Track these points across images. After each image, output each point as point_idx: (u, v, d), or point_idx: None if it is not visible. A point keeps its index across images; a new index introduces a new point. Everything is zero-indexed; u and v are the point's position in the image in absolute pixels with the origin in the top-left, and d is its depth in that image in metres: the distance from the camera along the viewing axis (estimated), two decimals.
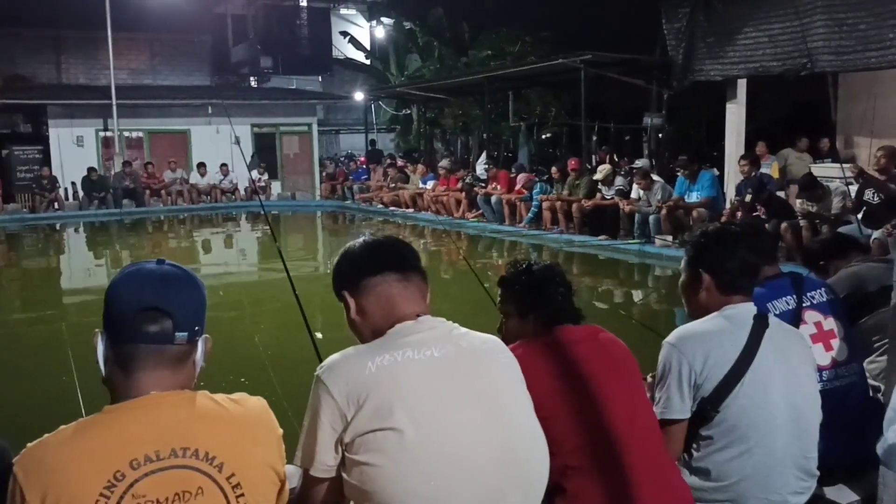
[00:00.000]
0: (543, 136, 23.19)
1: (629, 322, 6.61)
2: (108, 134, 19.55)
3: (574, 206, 12.21)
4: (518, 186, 13.81)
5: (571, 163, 13.13)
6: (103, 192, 18.11)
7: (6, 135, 20.93)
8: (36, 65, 24.05)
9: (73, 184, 18.58)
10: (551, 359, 2.02)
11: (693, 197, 10.63)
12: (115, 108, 18.96)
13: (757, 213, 9.30)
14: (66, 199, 18.46)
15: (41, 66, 24.16)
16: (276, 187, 21.26)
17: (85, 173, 18.17)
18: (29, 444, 1.33)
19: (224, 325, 7.68)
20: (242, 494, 1.39)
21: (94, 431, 1.34)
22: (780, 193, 10.29)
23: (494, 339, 1.81)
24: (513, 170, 15.00)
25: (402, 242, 1.92)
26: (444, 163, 16.96)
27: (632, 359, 2.11)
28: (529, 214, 13.25)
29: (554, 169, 13.60)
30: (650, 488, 1.89)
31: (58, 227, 17.17)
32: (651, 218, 10.81)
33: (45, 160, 18.88)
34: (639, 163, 13.56)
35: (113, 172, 18.79)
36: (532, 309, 2.16)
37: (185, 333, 1.43)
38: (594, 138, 19.42)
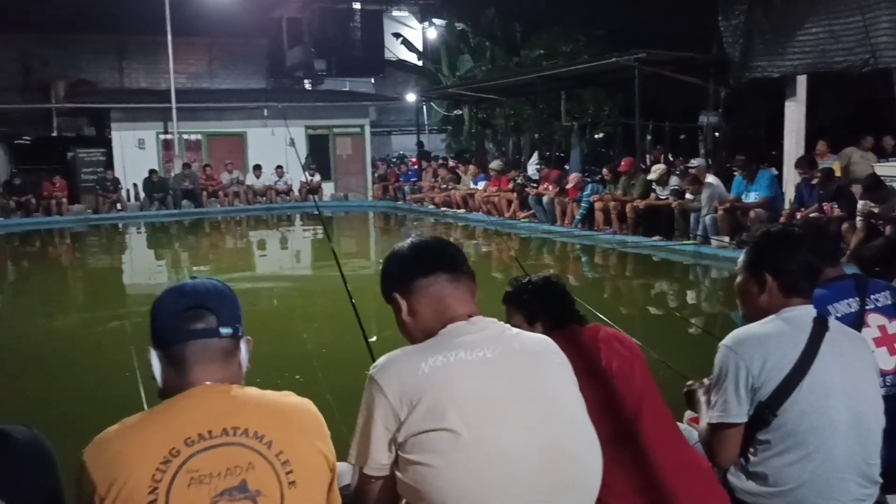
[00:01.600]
0: (596, 136, 22.99)
1: (685, 324, 6.51)
2: (168, 137, 20.06)
3: (628, 206, 12.07)
4: (570, 186, 13.71)
5: (624, 163, 12.98)
6: (163, 194, 18.61)
7: (72, 138, 21.68)
8: (100, 70, 24.86)
9: (135, 185, 19.13)
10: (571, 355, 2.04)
11: (751, 197, 10.40)
12: (174, 111, 19.46)
13: (819, 214, 9.06)
14: (128, 200, 19.01)
15: (105, 71, 24.98)
16: (328, 188, 21.53)
17: (146, 175, 18.70)
18: (96, 437, 1.43)
19: (277, 323, 7.82)
20: (291, 471, 1.44)
21: (152, 419, 1.44)
22: None
23: (547, 340, 1.80)
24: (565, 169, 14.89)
25: (449, 243, 1.93)
26: (496, 164, 16.94)
27: (640, 354, 2.19)
28: (578, 215, 13.12)
29: (605, 170, 13.47)
30: (674, 471, 1.97)
31: (120, 227, 17.70)
32: (707, 218, 10.61)
33: (109, 162, 19.47)
34: (695, 162, 13.31)
35: (172, 174, 19.28)
36: (539, 315, 2.23)
37: (229, 329, 1.54)
38: (649, 137, 19.17)
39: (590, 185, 13.36)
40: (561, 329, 2.16)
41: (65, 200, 17.90)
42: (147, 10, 20.38)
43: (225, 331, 1.53)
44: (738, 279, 2.26)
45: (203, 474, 1.38)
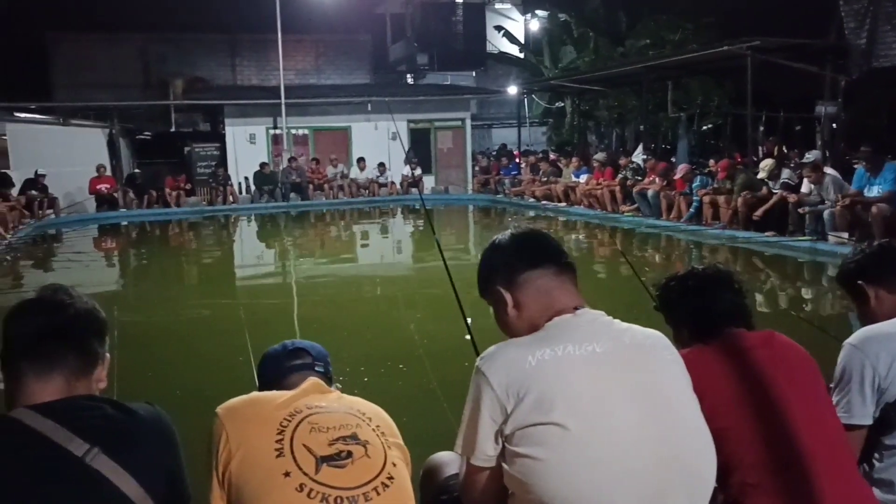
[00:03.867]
0: (704, 127, 22.25)
1: (800, 323, 6.22)
2: (278, 132, 20.76)
3: (739, 200, 11.61)
4: (678, 177, 13.31)
5: (720, 168, 12.48)
6: (272, 186, 19.30)
7: (188, 133, 22.78)
8: (214, 67, 25.98)
9: (246, 178, 19.91)
10: (724, 365, 1.91)
11: (874, 191, 9.79)
12: (283, 107, 20.11)
13: None
14: (240, 192, 19.81)
15: (218, 68, 26.08)
16: (429, 181, 21.75)
17: (257, 168, 19.43)
18: (230, 400, 1.72)
19: (380, 313, 7.99)
20: (387, 438, 1.72)
21: (278, 394, 1.75)
22: None
23: (658, 335, 1.75)
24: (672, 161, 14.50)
25: (549, 235, 1.90)
26: (600, 155, 16.65)
27: (813, 365, 1.96)
28: (691, 210, 12.72)
29: (712, 161, 13.01)
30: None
31: (232, 218, 18.48)
32: (825, 213, 10.09)
33: (222, 157, 20.35)
34: (810, 155, 12.69)
35: (281, 168, 19.95)
36: (693, 315, 2.05)
37: (321, 366, 1.93)
38: (761, 128, 18.37)
39: (698, 178, 12.93)
40: (722, 331, 1.98)
41: (183, 193, 18.86)
42: (258, 10, 21.16)
43: (318, 366, 1.92)
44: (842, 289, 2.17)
45: (321, 426, 1.66)
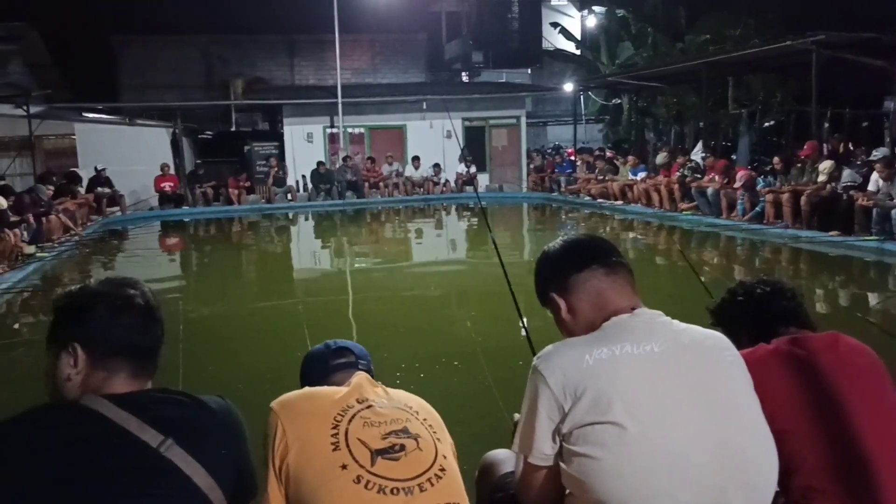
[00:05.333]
0: (766, 125, 21.71)
1: (868, 326, 6.04)
2: (334, 130, 21.01)
3: (802, 198, 11.31)
4: (738, 185, 13.01)
5: (807, 147, 12.12)
6: (329, 185, 19.55)
7: (248, 132, 23.23)
8: (273, 67, 26.45)
9: (304, 176, 20.21)
10: (785, 366, 1.89)
11: None
12: (340, 106, 20.35)
13: None
14: (298, 190, 20.13)
15: (277, 68, 26.54)
16: (483, 179, 21.74)
17: (314, 167, 19.71)
18: (285, 395, 1.79)
19: (437, 310, 8.02)
20: (436, 431, 1.79)
21: (331, 389, 1.82)
22: None
23: (718, 335, 1.74)
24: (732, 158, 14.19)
25: (601, 237, 1.90)
26: (661, 157, 16.37)
27: (880, 367, 1.91)
28: (756, 209, 12.41)
29: (776, 159, 12.69)
30: None
31: (290, 216, 18.78)
32: (894, 212, 9.75)
33: (281, 155, 20.70)
34: (877, 152, 12.24)
35: (337, 166, 20.19)
36: (751, 320, 2.07)
37: (364, 365, 1.98)
38: (826, 125, 17.84)
39: (760, 181, 12.65)
40: (783, 333, 1.99)
41: (244, 191, 19.27)
42: (316, 11, 21.45)
43: (362, 365, 1.99)
44: None
45: (373, 421, 1.72)
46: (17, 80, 17.37)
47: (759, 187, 12.61)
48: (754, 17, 19.62)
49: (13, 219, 11.00)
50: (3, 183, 12.91)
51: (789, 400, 1.82)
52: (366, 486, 1.61)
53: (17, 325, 8.14)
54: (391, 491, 1.61)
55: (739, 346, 1.84)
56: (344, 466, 1.62)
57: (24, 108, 16.33)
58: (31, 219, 11.73)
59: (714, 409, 1.59)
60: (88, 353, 1.47)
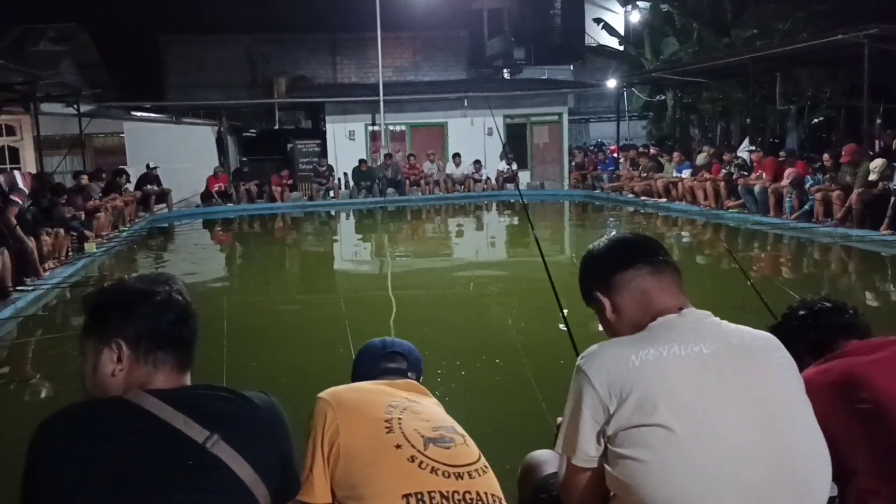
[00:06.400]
0: (815, 120, 21.21)
1: None
2: (376, 128, 21.12)
3: (853, 196, 11.01)
4: (786, 182, 12.73)
5: (845, 151, 11.84)
6: (370, 182, 19.65)
7: (291, 130, 23.48)
8: (316, 66, 26.70)
9: (345, 174, 20.36)
10: (837, 371, 1.86)
11: None
12: (381, 104, 20.44)
13: None
14: (340, 188, 20.28)
15: (320, 67, 26.79)
16: (524, 177, 21.64)
17: (356, 164, 19.84)
18: (333, 388, 1.86)
19: (478, 307, 8.01)
20: (464, 437, 1.83)
21: (377, 386, 1.91)
22: None
23: (769, 336, 1.69)
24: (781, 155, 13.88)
25: (647, 236, 1.87)
26: (702, 157, 16.11)
27: None
28: (805, 207, 12.13)
29: (826, 156, 12.39)
30: None
31: (332, 213, 18.94)
32: None
33: (323, 153, 20.89)
34: None
35: (378, 164, 20.29)
36: (815, 335, 2.05)
37: (414, 376, 2.04)
38: (878, 121, 17.35)
39: (809, 178, 12.36)
40: (840, 343, 1.98)
41: (287, 189, 19.49)
42: (358, 9, 21.58)
43: (411, 374, 2.04)
44: None
45: (423, 416, 1.80)
46: (68, 79, 17.79)
47: (807, 185, 12.32)
48: (802, 10, 19.16)
49: (68, 215, 11.29)
50: (58, 182, 13.24)
51: (839, 406, 1.78)
52: (419, 466, 1.68)
53: (67, 320, 8.35)
54: (443, 473, 1.69)
55: (801, 363, 1.81)
56: (398, 446, 1.70)
57: (75, 107, 16.73)
58: (83, 216, 12.03)
59: (764, 411, 1.55)
60: (132, 348, 1.47)
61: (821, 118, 21.19)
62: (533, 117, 22.15)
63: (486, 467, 1.77)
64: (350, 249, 14.19)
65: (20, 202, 8.75)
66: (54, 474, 1.34)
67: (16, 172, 9.09)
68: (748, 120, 17.65)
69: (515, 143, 21.62)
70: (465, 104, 20.98)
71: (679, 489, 1.50)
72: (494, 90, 22.94)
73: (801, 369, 1.73)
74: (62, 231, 10.56)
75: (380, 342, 2.10)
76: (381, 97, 20.36)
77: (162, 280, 1.57)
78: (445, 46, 27.50)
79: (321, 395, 1.82)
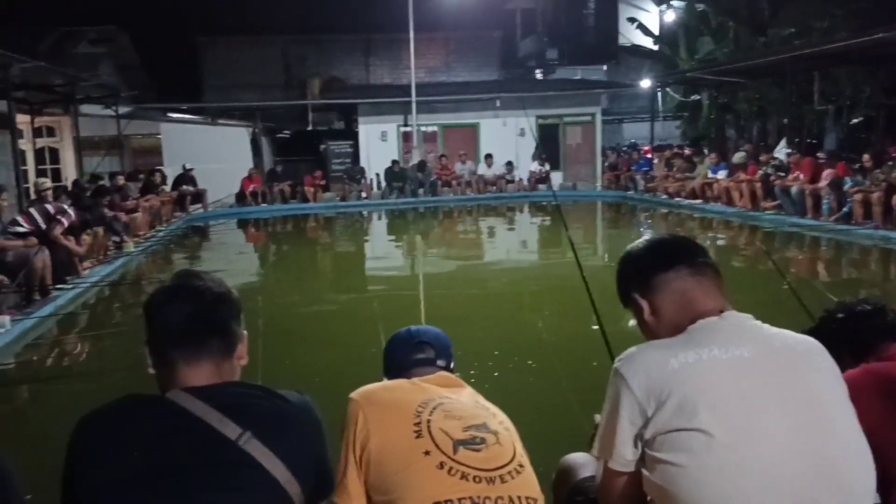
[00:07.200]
0: (854, 120, 20.80)
1: None
2: (408, 129, 21.16)
3: (894, 198, 10.77)
4: (823, 183, 12.49)
5: (890, 151, 11.59)
6: (402, 183, 19.71)
7: (324, 131, 23.65)
8: (349, 67, 26.83)
9: (377, 175, 20.44)
10: (880, 376, 1.84)
11: None
12: (414, 104, 20.48)
13: None
14: (372, 189, 20.37)
15: (353, 68, 26.90)
16: (556, 178, 21.53)
17: (388, 165, 19.91)
18: (364, 386, 1.85)
19: (511, 309, 7.98)
20: (512, 434, 1.82)
21: (410, 384, 1.89)
22: None
23: (811, 340, 1.66)
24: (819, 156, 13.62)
25: (686, 238, 1.84)
26: (738, 156, 15.87)
27: None
28: (844, 209, 11.89)
29: (866, 156, 12.14)
30: None
31: (364, 213, 19.03)
32: None
33: (355, 154, 21.00)
34: None
35: (410, 165, 20.34)
36: (855, 337, 2.03)
37: (444, 361, 2.02)
38: None
39: (848, 180, 12.12)
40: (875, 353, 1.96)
41: (320, 189, 19.63)
42: (391, 10, 21.64)
43: (440, 362, 2.03)
44: None
45: (454, 414, 1.77)
46: (107, 81, 18.10)
47: (846, 186, 12.08)
48: (841, 8, 18.79)
49: (109, 215, 11.49)
50: (101, 182, 13.50)
51: (883, 411, 1.75)
52: (449, 472, 1.66)
53: (105, 318, 8.49)
54: (473, 479, 1.66)
55: (841, 367, 1.77)
56: (427, 452, 1.68)
57: (114, 108, 17.03)
58: (123, 216, 12.23)
59: (807, 416, 1.52)
60: (151, 349, 1.51)
61: (860, 118, 20.77)
62: (566, 118, 22.04)
63: (520, 467, 1.74)
64: (382, 249, 14.24)
65: (65, 223, 8.91)
66: (92, 471, 1.36)
67: (66, 206, 9.35)
68: (785, 120, 17.36)
69: (548, 144, 21.54)
70: (498, 105, 20.93)
71: (718, 495, 1.47)
72: (527, 90, 22.86)
73: (841, 372, 1.69)
74: (101, 231, 10.75)
75: (405, 332, 2.10)
76: (414, 98, 20.40)
77: (182, 277, 1.58)
78: (478, 47, 27.45)
79: (353, 395, 1.82)
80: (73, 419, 1.43)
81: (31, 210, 8.79)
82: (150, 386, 1.51)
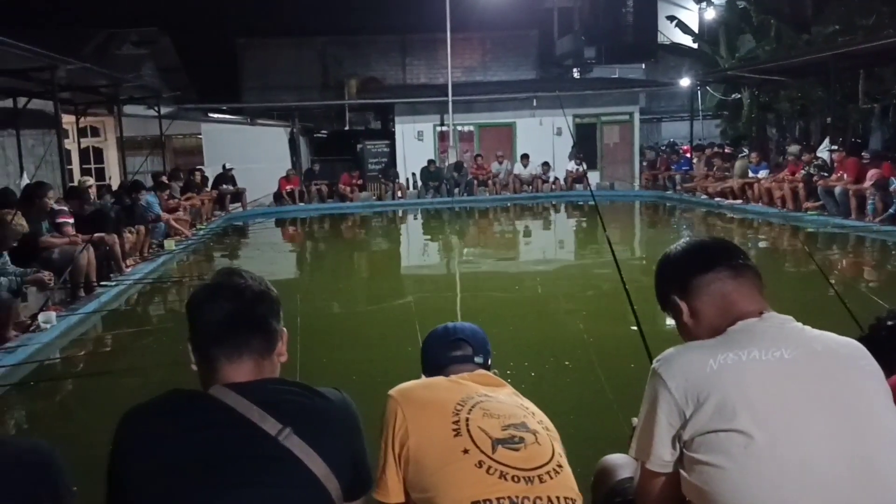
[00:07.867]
0: None
1: None
2: (444, 128, 21.19)
3: None
4: (868, 183, 12.21)
5: None
6: (438, 182, 19.74)
7: (361, 131, 23.81)
8: (386, 67, 26.97)
9: (413, 174, 20.50)
10: None
11: None
12: (450, 104, 20.49)
13: None
14: (408, 188, 20.44)
15: (390, 68, 27.05)
16: (593, 177, 21.37)
17: (424, 164, 19.96)
18: (403, 384, 1.87)
19: (547, 309, 7.95)
20: (551, 432, 1.83)
21: (448, 382, 1.89)
22: None
23: (855, 343, 1.63)
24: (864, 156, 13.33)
25: (725, 239, 1.82)
26: (794, 148, 15.59)
27: None
28: (890, 210, 11.62)
29: None
30: None
31: (400, 213, 19.10)
32: None
33: (392, 153, 21.09)
34: None
35: (446, 164, 20.36)
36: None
37: (481, 357, 2.02)
38: None
39: (894, 181, 11.84)
40: None
41: (356, 189, 19.76)
42: (428, 10, 21.70)
43: (478, 359, 2.02)
44: None
45: (492, 413, 1.77)
46: (149, 82, 18.44)
47: (892, 187, 11.79)
48: (888, 5, 18.34)
49: (151, 216, 11.71)
50: (136, 179, 13.73)
51: None
52: (487, 471, 1.65)
53: (147, 314, 8.65)
54: (512, 478, 1.65)
55: (890, 374, 1.73)
56: (465, 451, 1.68)
57: (156, 109, 17.33)
58: (167, 215, 12.47)
59: (848, 421, 1.50)
60: (193, 346, 1.55)
61: None
62: (603, 117, 21.87)
63: (559, 467, 1.73)
64: (418, 249, 14.27)
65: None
66: (136, 464, 1.39)
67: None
68: (829, 119, 17.00)
69: (585, 143, 21.38)
70: (534, 104, 20.84)
71: (758, 498, 1.46)
72: (564, 90, 22.71)
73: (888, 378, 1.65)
74: (143, 229, 10.95)
75: (442, 329, 2.10)
76: (450, 97, 20.41)
77: (223, 275, 1.60)
78: (515, 46, 27.38)
79: (391, 392, 1.83)
80: (117, 413, 1.46)
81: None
82: (193, 382, 1.54)
